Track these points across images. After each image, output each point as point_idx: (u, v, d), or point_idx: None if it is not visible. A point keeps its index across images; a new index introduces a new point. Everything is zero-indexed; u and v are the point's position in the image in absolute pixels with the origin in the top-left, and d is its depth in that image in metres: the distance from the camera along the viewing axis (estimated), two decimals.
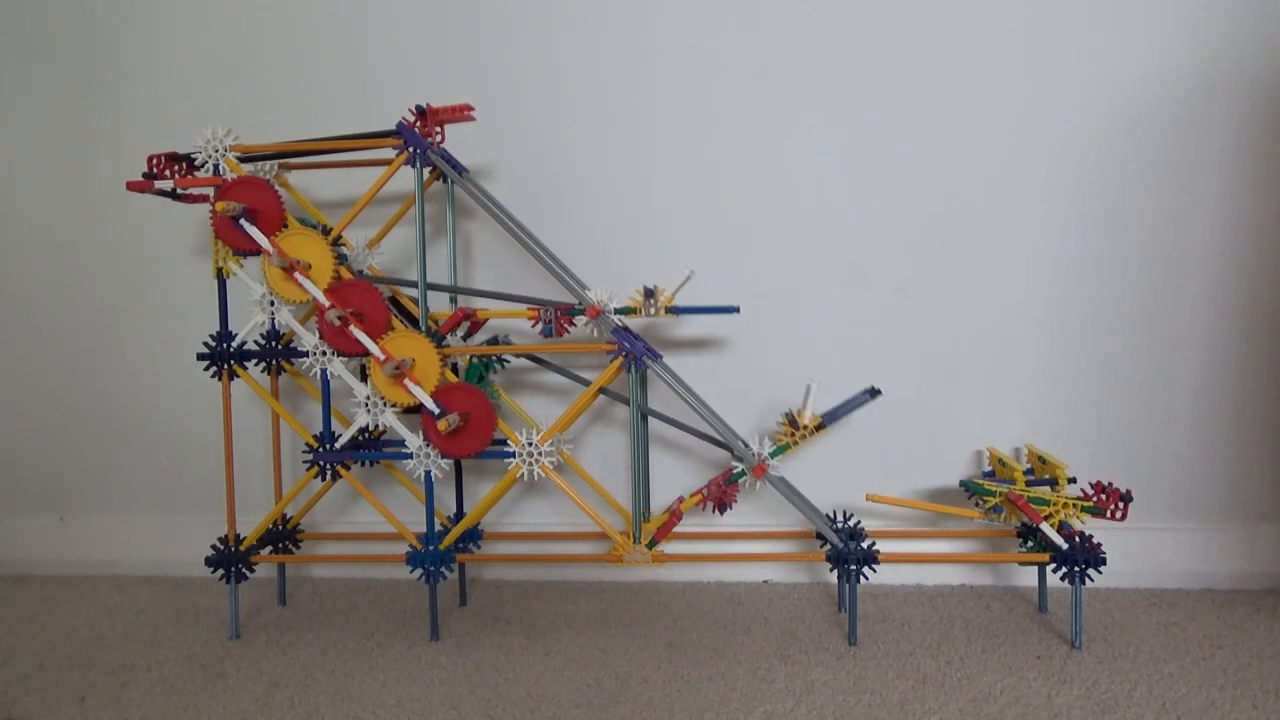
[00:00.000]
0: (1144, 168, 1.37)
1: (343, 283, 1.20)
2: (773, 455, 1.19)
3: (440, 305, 1.35)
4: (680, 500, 1.26)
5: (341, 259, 1.22)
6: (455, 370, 1.30)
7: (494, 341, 1.34)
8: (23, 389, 1.61)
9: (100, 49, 1.52)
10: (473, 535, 1.39)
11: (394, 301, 1.30)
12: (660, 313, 1.21)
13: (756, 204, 1.43)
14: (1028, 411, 1.42)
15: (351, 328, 1.18)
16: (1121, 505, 1.17)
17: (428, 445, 1.21)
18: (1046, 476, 1.25)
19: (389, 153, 1.30)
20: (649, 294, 1.21)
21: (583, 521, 1.44)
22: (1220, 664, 1.14)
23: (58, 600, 1.47)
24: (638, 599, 1.40)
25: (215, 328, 1.29)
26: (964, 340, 1.42)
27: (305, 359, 1.24)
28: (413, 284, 1.24)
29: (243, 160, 1.27)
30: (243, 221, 1.18)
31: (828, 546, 1.24)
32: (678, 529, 1.24)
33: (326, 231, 1.23)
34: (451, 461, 1.25)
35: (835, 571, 1.24)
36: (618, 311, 1.21)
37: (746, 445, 1.20)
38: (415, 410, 1.21)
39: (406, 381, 1.18)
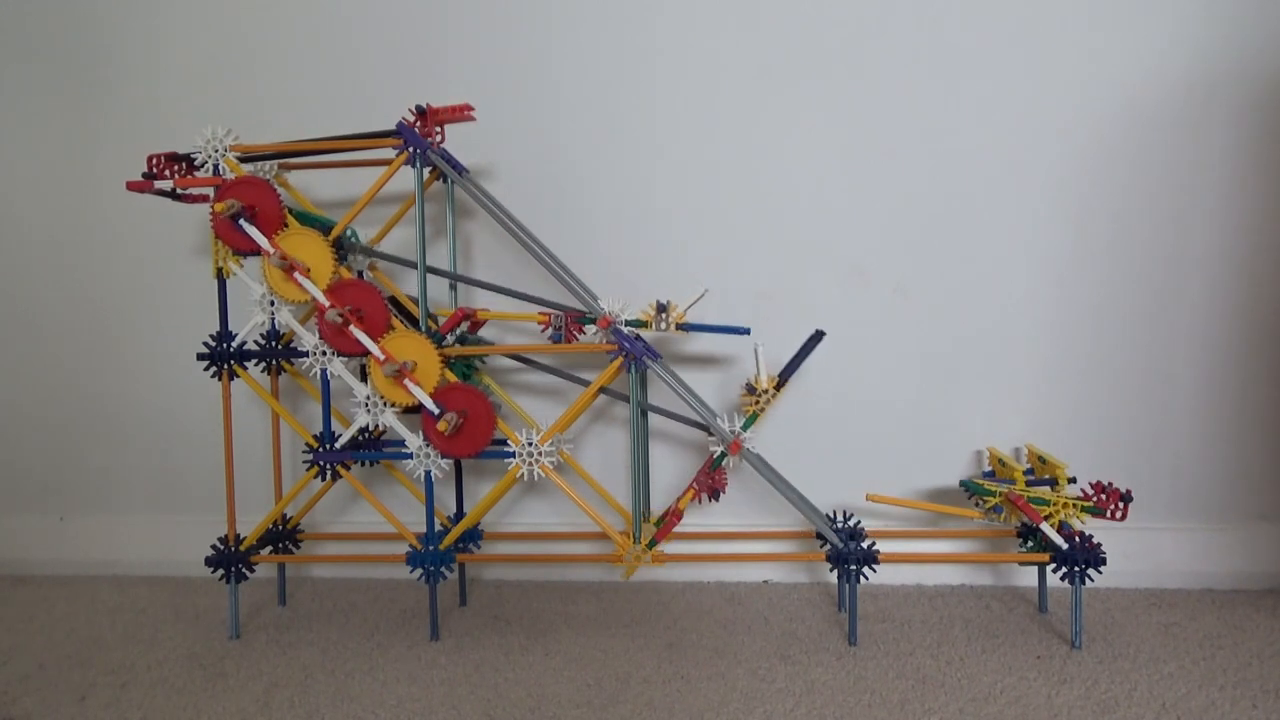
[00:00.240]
0: (1144, 167, 1.37)
1: (342, 282, 1.20)
2: (744, 428, 1.19)
3: (441, 294, 1.35)
4: (678, 501, 1.26)
5: (352, 249, 1.23)
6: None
7: (483, 341, 1.34)
8: (23, 389, 1.61)
9: (100, 49, 1.52)
10: (473, 535, 1.39)
11: (394, 301, 1.30)
12: (671, 328, 1.21)
13: (756, 204, 1.43)
14: (1027, 411, 1.42)
15: (351, 328, 1.18)
16: (1121, 505, 1.17)
17: (428, 445, 1.21)
18: (1046, 476, 1.25)
19: (389, 153, 1.30)
20: (661, 308, 1.21)
21: (583, 521, 1.44)
22: (1220, 664, 1.14)
23: (58, 600, 1.46)
24: (638, 599, 1.40)
25: (215, 328, 1.29)
26: (964, 340, 1.42)
27: (305, 359, 1.24)
28: (443, 275, 1.26)
29: (242, 160, 1.27)
30: (242, 221, 1.18)
31: (828, 546, 1.24)
32: (678, 529, 1.24)
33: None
34: (451, 461, 1.25)
35: (835, 571, 1.25)
36: (629, 324, 1.21)
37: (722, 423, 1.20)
38: (415, 410, 1.21)
39: (406, 382, 1.18)
